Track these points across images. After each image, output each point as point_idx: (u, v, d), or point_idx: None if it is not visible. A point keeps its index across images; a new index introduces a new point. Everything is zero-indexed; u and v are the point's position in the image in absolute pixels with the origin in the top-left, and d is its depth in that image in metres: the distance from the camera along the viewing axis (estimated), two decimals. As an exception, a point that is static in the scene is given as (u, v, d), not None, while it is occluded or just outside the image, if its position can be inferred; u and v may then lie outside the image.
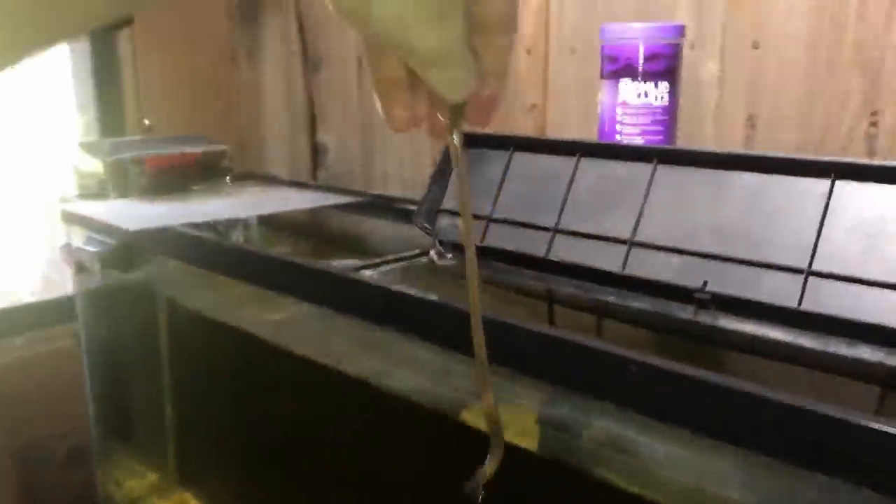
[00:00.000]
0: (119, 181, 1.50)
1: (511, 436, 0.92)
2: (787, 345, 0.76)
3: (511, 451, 0.89)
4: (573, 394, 0.77)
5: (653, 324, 0.86)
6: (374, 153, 1.69)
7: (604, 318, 0.93)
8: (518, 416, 0.88)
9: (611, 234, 0.90)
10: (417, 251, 1.10)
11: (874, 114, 1.01)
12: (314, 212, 1.50)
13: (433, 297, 0.87)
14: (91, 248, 1.36)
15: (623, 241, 0.89)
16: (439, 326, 0.87)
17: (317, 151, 1.80)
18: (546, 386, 0.80)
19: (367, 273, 1.02)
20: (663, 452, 0.72)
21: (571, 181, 0.95)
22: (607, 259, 0.90)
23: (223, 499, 1.56)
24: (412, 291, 0.90)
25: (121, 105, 1.81)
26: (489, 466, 0.59)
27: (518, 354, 0.77)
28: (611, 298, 0.89)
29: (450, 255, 1.07)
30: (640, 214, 0.88)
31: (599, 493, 0.81)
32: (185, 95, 1.86)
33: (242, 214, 1.40)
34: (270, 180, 1.71)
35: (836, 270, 0.74)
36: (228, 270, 1.12)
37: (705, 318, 0.82)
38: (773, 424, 0.62)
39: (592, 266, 0.90)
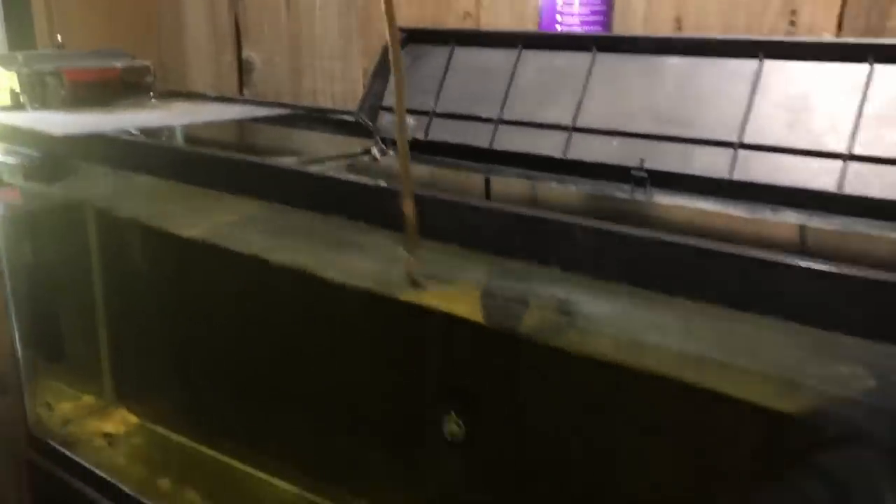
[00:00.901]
0: (36, 95, 1.44)
1: (459, 309, 0.96)
2: (718, 215, 0.81)
3: (460, 324, 0.93)
4: (516, 263, 0.81)
5: (593, 203, 0.91)
6: (303, 69, 1.67)
7: (546, 200, 0.97)
8: (464, 291, 0.91)
9: (552, 122, 0.94)
10: (359, 150, 1.11)
11: (793, 13, 1.08)
12: (244, 126, 1.48)
13: (381, 182, 0.89)
14: (11, 161, 1.30)
15: (564, 128, 0.92)
16: (388, 212, 0.89)
17: (242, 69, 1.77)
18: (491, 258, 0.83)
19: (313, 167, 1.02)
20: (608, 310, 0.77)
21: (513, 73, 0.98)
22: (550, 146, 0.93)
23: (165, 413, 1.56)
24: (360, 179, 0.91)
25: (30, 19, 1.72)
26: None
27: (462, 229, 0.80)
28: (553, 184, 0.93)
29: (392, 153, 1.08)
30: (580, 101, 0.92)
31: (550, 358, 0.86)
32: (100, 8, 1.78)
33: (173, 123, 1.37)
34: (197, 97, 1.67)
35: (764, 142, 0.80)
36: (166, 173, 1.10)
37: (642, 195, 0.87)
38: (707, 271, 0.67)
39: (535, 153, 0.94)
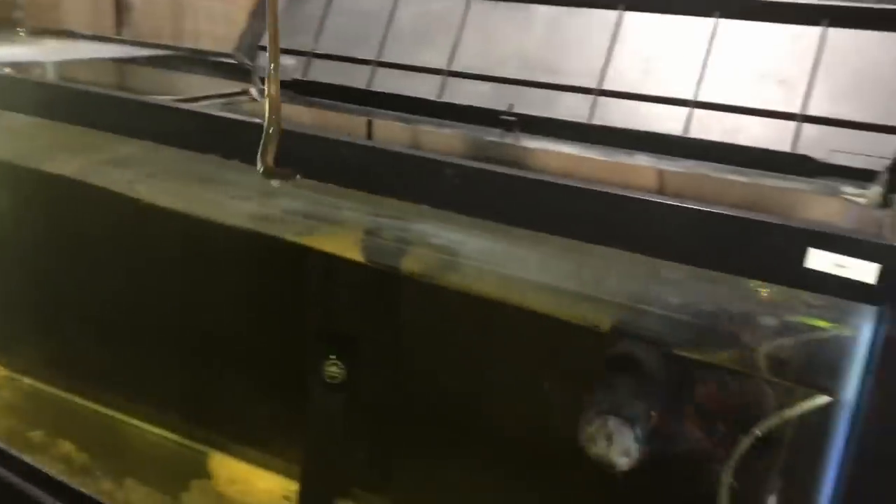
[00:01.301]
0: None
1: (341, 250, 0.98)
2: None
3: (344, 264, 0.95)
4: (393, 201, 0.83)
5: (465, 145, 0.94)
6: (184, 9, 1.63)
7: (420, 144, 1.00)
8: (345, 234, 0.94)
9: (428, 65, 0.96)
10: (238, 90, 1.10)
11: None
12: (120, 66, 1.43)
13: (256, 119, 0.89)
14: None
15: (440, 72, 0.95)
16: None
17: (120, 9, 1.70)
18: (369, 197, 0.86)
19: (187, 105, 1.01)
20: (478, 246, 0.81)
21: (391, 16, 0.99)
22: (425, 89, 0.96)
23: (35, 363, 1.51)
24: (235, 115, 0.91)
25: None
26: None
27: (341, 167, 0.82)
28: (428, 127, 0.96)
29: (272, 94, 1.08)
30: (455, 46, 0.95)
31: (430, 294, 0.89)
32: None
33: (46, 59, 1.31)
34: (70, 35, 1.60)
35: (621, 89, 0.85)
36: (36, 110, 1.06)
37: (511, 138, 0.91)
38: (569, 207, 0.72)
39: (411, 95, 0.96)
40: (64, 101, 1.06)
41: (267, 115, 0.69)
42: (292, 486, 1.28)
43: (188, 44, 1.62)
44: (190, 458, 1.39)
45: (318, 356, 1.20)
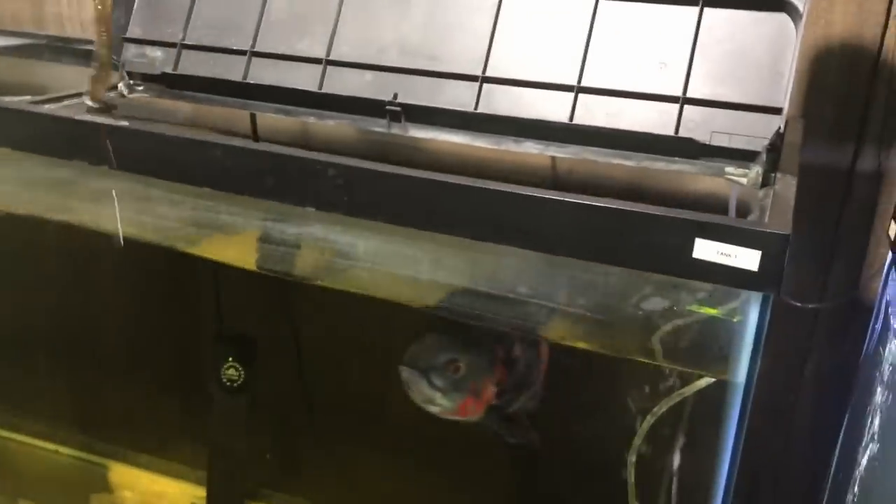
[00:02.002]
0: None
1: (234, 259, 0.94)
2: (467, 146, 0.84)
3: (236, 275, 0.91)
4: (283, 206, 0.79)
5: (351, 139, 0.91)
6: (45, -8, 1.50)
7: (306, 137, 0.96)
8: (240, 239, 0.89)
9: (307, 54, 0.91)
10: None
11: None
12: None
13: (124, 123, 0.83)
14: None
15: (318, 61, 0.91)
16: (137, 154, 0.84)
17: (-28, -9, 1.56)
18: (259, 202, 0.81)
19: (48, 107, 0.93)
20: (367, 248, 0.79)
21: (265, 2, 0.94)
22: (305, 79, 0.91)
23: None
24: (102, 119, 0.85)
25: None
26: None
27: (228, 173, 0.77)
28: (311, 119, 0.92)
29: (140, 87, 1.01)
30: (333, 34, 0.90)
31: (325, 297, 0.86)
32: None
33: None
34: (-86, 24, 1.46)
35: (505, 76, 0.83)
36: None
37: (398, 129, 0.88)
38: (455, 206, 0.70)
39: (291, 87, 0.91)
40: None
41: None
42: (199, 492, 1.25)
43: (52, 30, 1.50)
44: (88, 471, 1.33)
45: (216, 360, 1.17)
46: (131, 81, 1.01)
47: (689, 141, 0.76)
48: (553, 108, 0.82)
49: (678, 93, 0.77)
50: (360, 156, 0.98)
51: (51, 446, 1.35)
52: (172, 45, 0.97)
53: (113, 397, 1.31)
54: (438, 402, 0.84)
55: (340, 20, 0.91)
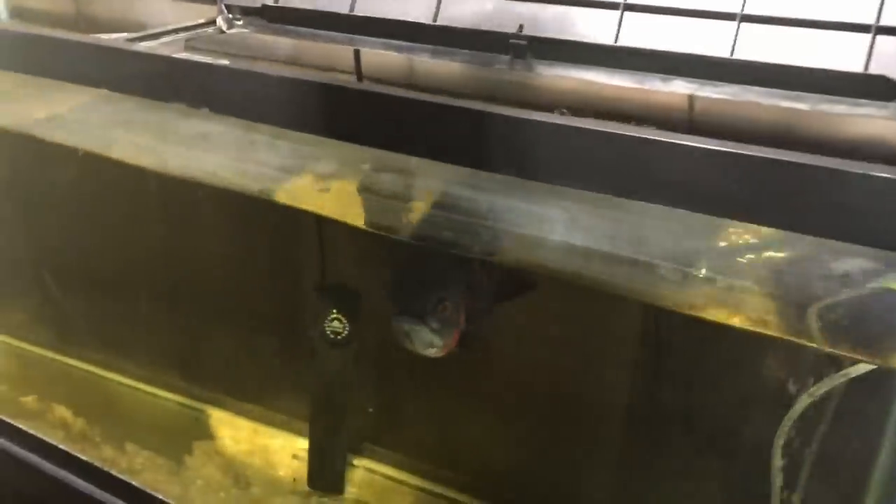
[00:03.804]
0: None
1: (340, 211, 0.87)
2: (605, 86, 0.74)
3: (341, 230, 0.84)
4: (396, 155, 0.71)
5: (469, 77, 0.82)
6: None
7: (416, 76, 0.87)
8: (344, 185, 0.82)
9: (418, -17, 0.82)
10: (201, 20, 0.95)
11: None
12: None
13: (224, 62, 0.76)
14: None
15: (432, -10, 0.81)
16: (237, 96, 0.77)
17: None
18: (369, 151, 0.73)
19: (144, 45, 0.87)
20: (493, 204, 0.70)
21: (372, -76, 0.84)
22: (417, 11, 0.82)
23: (20, 323, 1.43)
24: (201, 59, 0.78)
25: None
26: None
27: (333, 117, 0.69)
28: (424, 56, 0.83)
29: (240, 21, 0.94)
30: (450, -42, 0.80)
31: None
32: None
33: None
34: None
35: (651, 2, 0.72)
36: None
37: (522, 66, 0.78)
38: (593, 157, 0.60)
39: (402, 19, 0.82)
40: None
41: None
42: (301, 444, 1.22)
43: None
44: (192, 418, 1.32)
45: (320, 312, 1.12)
46: (230, 15, 0.94)
47: (882, 79, 0.63)
48: (709, 40, 0.70)
49: (870, 20, 0.63)
50: (469, 97, 0.90)
51: (155, 391, 1.35)
52: (275, -26, 0.89)
53: (215, 345, 1.29)
54: (437, 344, 0.83)
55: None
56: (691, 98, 0.72)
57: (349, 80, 0.70)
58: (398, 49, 0.84)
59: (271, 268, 1.21)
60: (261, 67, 0.78)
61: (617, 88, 0.73)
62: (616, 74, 0.74)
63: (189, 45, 0.89)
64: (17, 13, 1.32)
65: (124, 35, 0.90)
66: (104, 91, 0.86)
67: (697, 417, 0.92)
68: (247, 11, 0.93)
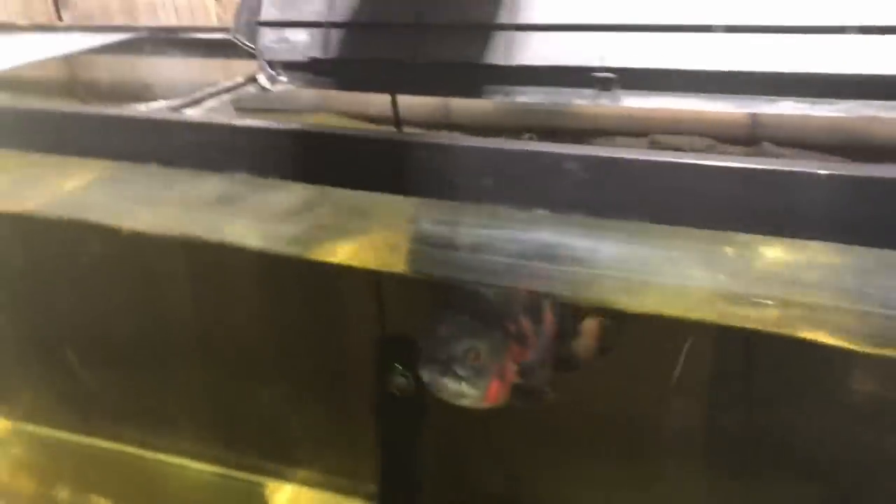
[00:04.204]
0: None
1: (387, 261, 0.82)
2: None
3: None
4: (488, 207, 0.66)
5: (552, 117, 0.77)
6: (133, -21, 1.38)
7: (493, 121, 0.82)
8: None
9: (486, 21, 0.77)
10: (241, 80, 0.90)
11: None
12: (80, 61, 1.20)
13: (284, 125, 0.71)
14: None
15: (503, 27, 0.76)
16: (310, 159, 0.71)
17: (55, -13, 1.45)
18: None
19: (189, 112, 0.81)
20: (612, 251, 0.65)
21: (426, -38, 0.79)
22: (488, 51, 0.77)
23: (45, 409, 1.34)
24: (266, 124, 0.72)
25: None
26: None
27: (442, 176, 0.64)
28: (497, 97, 0.78)
29: (283, 78, 0.88)
30: (521, -8, 0.76)
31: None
32: None
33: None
34: (3, 27, 1.35)
35: (756, 22, 0.68)
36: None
37: (608, 98, 0.73)
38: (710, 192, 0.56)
39: (473, 62, 0.77)
40: (31, 125, 0.86)
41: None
42: (367, 510, 1.15)
43: (144, 20, 1.39)
44: (244, 491, 1.25)
45: (382, 367, 1.06)
46: (272, 71, 0.88)
47: None
48: (820, 55, 0.66)
49: None
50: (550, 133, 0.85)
51: (201, 465, 1.27)
52: (318, 24, 0.84)
53: (260, 410, 1.22)
54: (468, 394, 0.79)
55: (525, -24, 0.76)
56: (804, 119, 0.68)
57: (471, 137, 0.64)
58: (470, 89, 0.79)
59: (315, 325, 1.15)
60: (335, 129, 0.73)
61: (722, 114, 0.69)
62: (712, 99, 0.70)
63: (239, 108, 0.84)
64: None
65: (163, 104, 0.84)
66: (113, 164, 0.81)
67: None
68: (289, 66, 0.87)
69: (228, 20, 1.31)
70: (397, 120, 0.98)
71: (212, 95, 0.85)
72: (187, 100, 0.83)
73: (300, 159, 0.70)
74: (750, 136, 0.91)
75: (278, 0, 0.87)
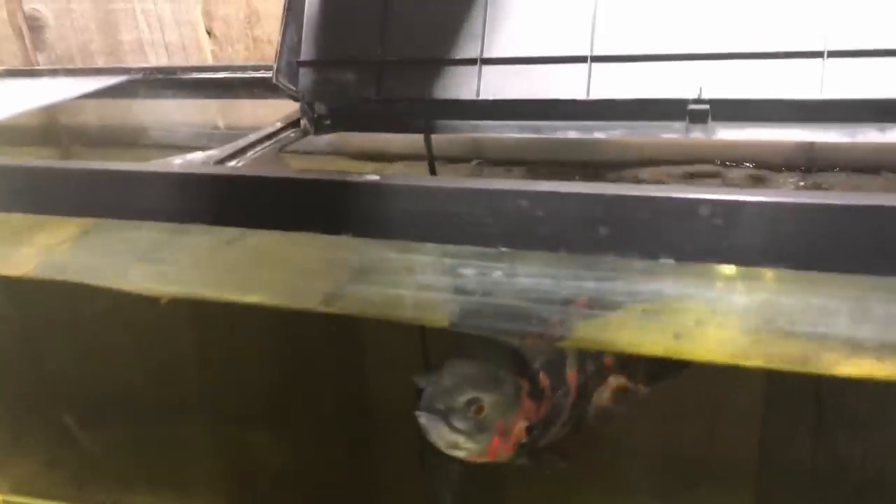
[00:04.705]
0: None
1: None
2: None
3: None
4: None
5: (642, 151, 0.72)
6: (116, 17, 1.30)
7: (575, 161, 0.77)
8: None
9: (561, 53, 0.72)
10: (279, 125, 0.83)
11: None
12: (62, 109, 1.11)
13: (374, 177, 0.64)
14: None
15: (580, 59, 0.71)
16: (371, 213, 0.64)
17: (29, 28, 1.35)
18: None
19: (232, 165, 0.74)
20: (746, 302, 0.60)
21: (488, -5, 0.74)
22: (563, 86, 0.72)
23: (44, 477, 1.23)
24: (326, 175, 0.65)
25: None
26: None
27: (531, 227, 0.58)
28: (572, 133, 0.73)
29: (328, 121, 0.82)
30: (595, 20, 0.71)
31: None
32: None
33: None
34: (-23, 74, 1.25)
35: (862, 46, 0.64)
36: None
37: (700, 131, 0.69)
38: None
39: (544, 97, 0.72)
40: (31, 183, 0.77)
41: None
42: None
43: (131, 60, 1.30)
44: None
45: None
46: (315, 115, 0.82)
47: None
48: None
49: None
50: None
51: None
52: (370, 62, 0.78)
53: (278, 468, 1.14)
54: (464, 447, 0.75)
55: (598, 3, 0.71)
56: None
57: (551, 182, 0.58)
58: (539, 130, 0.74)
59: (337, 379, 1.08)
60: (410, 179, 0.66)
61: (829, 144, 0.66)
62: (819, 128, 0.66)
63: (285, 159, 0.77)
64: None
65: (198, 155, 0.77)
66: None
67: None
68: (335, 111, 0.81)
69: (225, 57, 1.24)
70: (431, 162, 0.92)
71: (250, 147, 0.77)
72: (228, 153, 0.76)
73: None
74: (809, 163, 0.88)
75: (316, 38, 0.80)
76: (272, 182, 0.65)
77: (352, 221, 0.64)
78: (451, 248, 0.62)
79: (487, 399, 0.76)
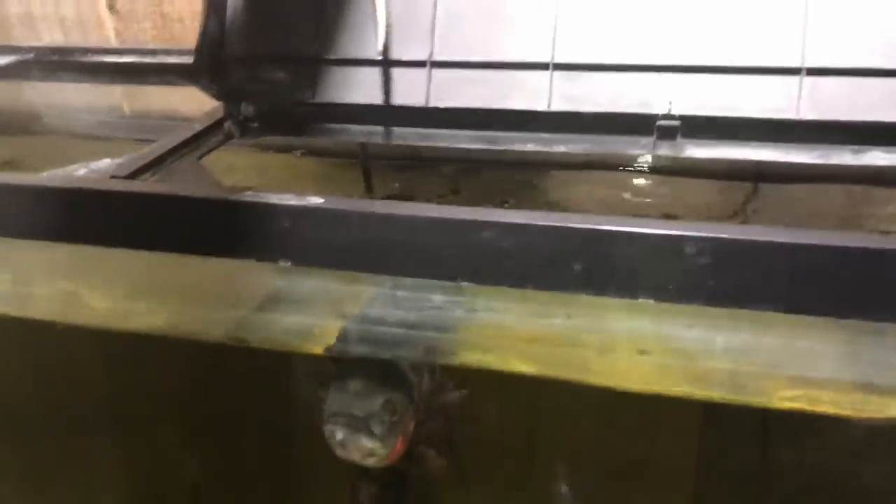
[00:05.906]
0: None
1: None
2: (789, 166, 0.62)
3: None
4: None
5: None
6: (1, -14, 1.15)
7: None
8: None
9: (520, 58, 0.66)
10: (198, 127, 0.73)
11: None
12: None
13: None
14: None
15: (541, 66, 0.65)
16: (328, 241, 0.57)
17: None
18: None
19: (147, 178, 0.64)
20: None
21: (440, -10, 0.66)
22: (522, 95, 0.66)
23: None
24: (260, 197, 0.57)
25: None
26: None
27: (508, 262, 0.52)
28: (530, 146, 0.67)
29: (255, 124, 0.73)
30: (556, 22, 0.65)
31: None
32: None
33: None
34: None
35: (834, 64, 0.60)
36: None
37: (668, 148, 0.64)
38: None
39: (501, 107, 0.66)
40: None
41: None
42: None
43: (20, 36, 1.16)
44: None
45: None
46: (241, 117, 0.72)
47: None
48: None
49: None
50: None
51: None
52: (304, 61, 0.69)
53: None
54: (377, 452, 0.70)
55: (559, 7, 0.65)
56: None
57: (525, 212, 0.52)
58: (492, 142, 0.68)
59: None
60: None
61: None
62: (793, 150, 0.62)
63: (207, 169, 0.67)
64: None
65: (108, 163, 0.67)
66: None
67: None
68: (265, 113, 0.72)
69: (130, 36, 1.12)
70: (368, 185, 0.85)
71: (170, 153, 0.68)
72: (140, 160, 0.66)
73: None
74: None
75: (247, 31, 0.71)
76: (195, 203, 0.56)
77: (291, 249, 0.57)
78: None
79: (397, 398, 0.72)
